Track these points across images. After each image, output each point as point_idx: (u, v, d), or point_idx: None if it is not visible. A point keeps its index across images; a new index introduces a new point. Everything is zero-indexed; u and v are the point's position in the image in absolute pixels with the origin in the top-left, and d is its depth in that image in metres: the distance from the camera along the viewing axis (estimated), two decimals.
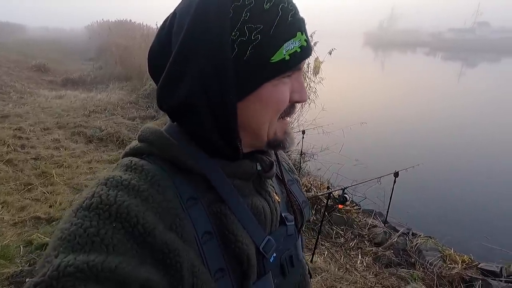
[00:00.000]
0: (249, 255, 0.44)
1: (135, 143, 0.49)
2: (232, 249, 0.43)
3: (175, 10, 0.46)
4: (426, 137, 7.04)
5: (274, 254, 0.50)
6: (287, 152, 5.57)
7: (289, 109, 0.48)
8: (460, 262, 2.70)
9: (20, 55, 13.44)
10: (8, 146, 3.88)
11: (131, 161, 0.44)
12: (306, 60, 0.47)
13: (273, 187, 0.55)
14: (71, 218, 0.36)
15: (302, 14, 0.48)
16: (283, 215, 0.55)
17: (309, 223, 3.03)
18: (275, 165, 0.54)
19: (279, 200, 0.55)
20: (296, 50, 0.44)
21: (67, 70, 10.95)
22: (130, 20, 14.64)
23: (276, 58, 0.42)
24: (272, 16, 0.42)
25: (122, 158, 0.48)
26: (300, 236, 0.60)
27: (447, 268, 2.60)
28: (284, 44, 0.42)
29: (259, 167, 0.50)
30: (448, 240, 3.18)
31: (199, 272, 0.39)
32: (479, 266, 2.73)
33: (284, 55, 0.43)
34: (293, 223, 0.56)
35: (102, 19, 18.79)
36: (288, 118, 0.50)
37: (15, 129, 4.53)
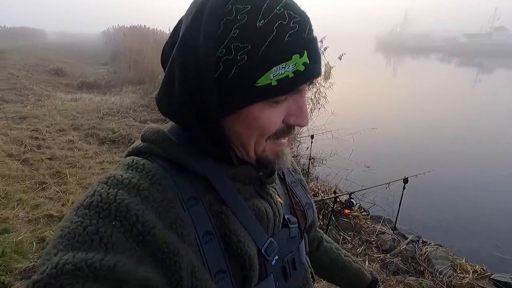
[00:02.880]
0: (250, 257, 0.44)
1: (138, 142, 0.49)
2: (234, 250, 0.43)
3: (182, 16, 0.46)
4: (438, 144, 6.90)
5: (276, 257, 0.49)
6: (295, 157, 5.57)
7: (284, 131, 0.46)
8: (471, 271, 2.63)
9: (38, 59, 13.96)
10: (25, 146, 4.02)
11: (133, 160, 0.44)
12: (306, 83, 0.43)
13: (275, 189, 0.54)
14: (71, 217, 0.36)
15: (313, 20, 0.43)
16: (286, 217, 0.54)
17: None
18: (276, 170, 0.53)
19: (282, 202, 0.54)
20: (287, 75, 0.40)
21: (83, 74, 11.29)
22: (144, 26, 14.94)
23: (261, 82, 0.39)
24: (263, 35, 0.39)
25: (124, 157, 0.48)
26: (303, 239, 0.59)
27: (457, 278, 2.53)
28: (273, 68, 0.39)
29: (260, 172, 0.50)
30: (459, 249, 3.10)
31: (198, 272, 0.39)
32: (491, 276, 2.65)
33: (271, 80, 0.39)
34: (296, 225, 0.56)
35: (118, 25, 19.26)
36: (283, 140, 0.47)
37: (32, 130, 4.69)
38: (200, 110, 0.42)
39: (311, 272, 0.62)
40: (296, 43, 0.40)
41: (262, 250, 0.46)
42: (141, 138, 0.49)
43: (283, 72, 0.39)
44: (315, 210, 0.65)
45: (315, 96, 5.75)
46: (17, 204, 2.75)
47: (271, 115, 0.43)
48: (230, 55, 0.39)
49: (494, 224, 3.94)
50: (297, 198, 0.60)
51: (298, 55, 0.40)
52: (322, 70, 0.46)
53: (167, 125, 0.51)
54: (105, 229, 0.35)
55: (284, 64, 0.39)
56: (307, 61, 0.40)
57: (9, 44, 20.52)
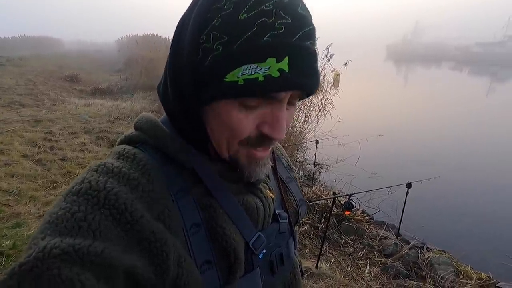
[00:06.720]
0: (236, 250, 0.44)
1: (130, 130, 0.49)
2: (219, 243, 0.43)
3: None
4: (446, 151, 6.80)
5: (264, 251, 0.49)
6: (301, 163, 5.58)
7: (259, 140, 0.42)
8: (475, 278, 2.60)
9: (55, 67, 14.50)
10: (39, 147, 4.20)
11: (124, 148, 0.44)
12: (283, 93, 0.38)
13: (267, 184, 0.54)
14: (60, 203, 0.36)
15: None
16: (276, 212, 0.54)
17: (317, 230, 3.03)
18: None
19: (274, 197, 0.54)
20: (257, 78, 0.36)
21: (96, 81, 11.68)
22: (157, 34, 15.39)
23: (229, 78, 0.37)
24: (241, 29, 0.36)
25: (117, 145, 0.47)
26: (293, 235, 0.59)
27: (459, 283, 2.50)
28: (243, 66, 0.36)
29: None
30: (465, 256, 3.05)
31: (184, 262, 0.39)
32: (498, 284, 2.60)
33: (238, 78, 0.36)
34: (287, 221, 0.55)
35: (131, 33, 19.88)
36: (261, 149, 0.44)
37: (46, 132, 4.88)
38: (180, 97, 0.42)
39: (301, 267, 0.63)
40: (276, 45, 0.36)
41: (250, 244, 0.46)
42: (134, 126, 0.49)
43: (252, 73, 0.36)
44: (306, 207, 0.66)
45: (321, 102, 5.79)
46: (29, 201, 2.88)
47: (241, 118, 0.40)
48: (209, 43, 0.38)
49: (503, 233, 3.85)
50: (291, 194, 0.60)
51: (274, 59, 0.36)
52: (317, 84, 0.40)
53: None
54: (93, 216, 0.34)
55: (256, 65, 0.36)
56: (286, 68, 0.36)
57: (28, 52, 21.41)
